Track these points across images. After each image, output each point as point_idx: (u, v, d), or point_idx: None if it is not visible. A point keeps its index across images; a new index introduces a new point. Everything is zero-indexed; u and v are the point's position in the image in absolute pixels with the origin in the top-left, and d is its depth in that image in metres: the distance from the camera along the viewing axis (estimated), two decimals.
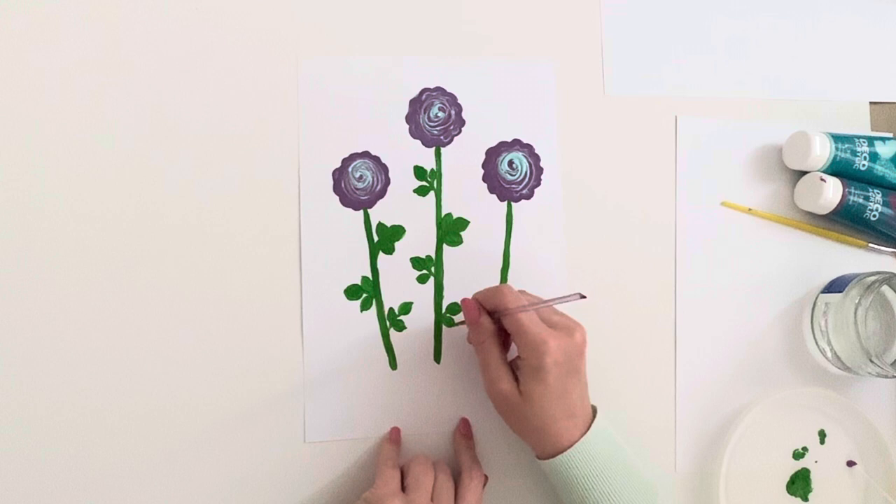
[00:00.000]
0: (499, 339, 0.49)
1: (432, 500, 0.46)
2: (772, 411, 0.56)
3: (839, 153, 0.56)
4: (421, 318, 0.54)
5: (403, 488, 0.47)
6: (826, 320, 0.56)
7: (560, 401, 0.46)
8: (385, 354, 0.53)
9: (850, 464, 0.58)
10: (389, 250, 0.54)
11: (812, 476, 0.57)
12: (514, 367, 0.48)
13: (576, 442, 0.46)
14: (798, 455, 0.57)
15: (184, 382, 0.51)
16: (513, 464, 0.54)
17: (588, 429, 0.47)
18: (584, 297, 0.42)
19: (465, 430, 0.53)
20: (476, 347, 0.49)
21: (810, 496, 0.57)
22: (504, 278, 0.55)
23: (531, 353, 0.45)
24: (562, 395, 0.46)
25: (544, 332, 0.45)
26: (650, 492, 0.48)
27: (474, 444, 0.53)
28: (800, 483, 0.57)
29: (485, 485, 0.50)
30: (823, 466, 0.57)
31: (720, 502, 0.54)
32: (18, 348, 0.49)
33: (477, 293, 0.49)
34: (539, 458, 0.48)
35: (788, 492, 0.57)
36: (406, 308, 0.54)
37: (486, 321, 0.48)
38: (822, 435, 0.58)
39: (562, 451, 0.46)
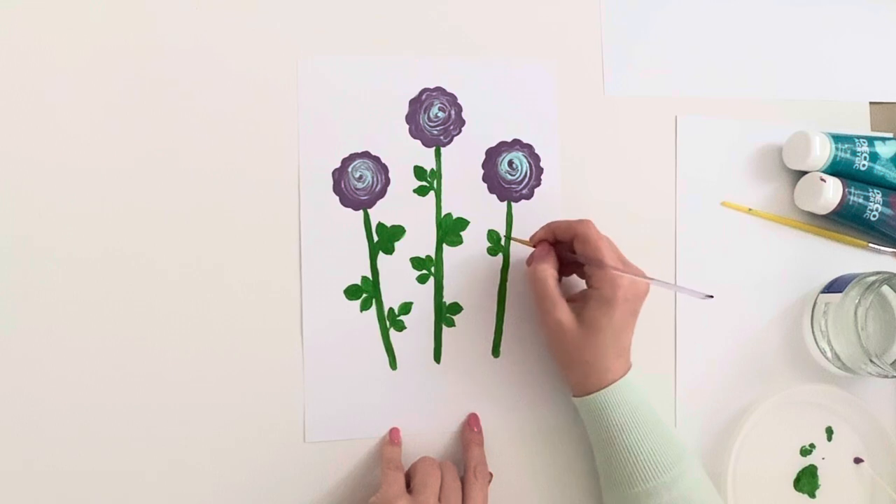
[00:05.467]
0: (556, 270, 0.50)
1: (440, 500, 0.46)
2: (780, 408, 0.56)
3: (839, 153, 0.56)
4: (421, 318, 0.54)
5: (410, 490, 0.47)
6: (826, 320, 0.55)
7: (617, 337, 0.48)
8: (385, 354, 0.53)
9: (858, 461, 0.58)
10: (389, 250, 0.54)
11: (819, 473, 0.57)
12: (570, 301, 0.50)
13: (617, 380, 0.47)
14: (805, 452, 0.57)
15: (183, 382, 0.51)
16: (516, 462, 0.54)
17: (626, 373, 0.48)
18: (710, 297, 0.43)
19: (474, 425, 0.53)
20: (533, 278, 0.50)
21: (817, 493, 0.57)
22: (504, 278, 0.55)
23: (607, 283, 0.46)
24: (620, 331, 0.48)
25: (620, 268, 0.47)
26: (679, 445, 0.48)
27: (483, 440, 0.52)
28: (807, 480, 0.57)
29: (489, 482, 0.50)
30: (830, 463, 0.57)
31: (727, 500, 0.54)
32: (17, 347, 0.49)
33: (555, 225, 0.50)
34: (577, 395, 0.49)
35: (795, 488, 0.57)
36: (406, 308, 0.54)
37: (552, 256, 0.50)
38: (830, 432, 0.58)
39: (603, 388, 0.47)
